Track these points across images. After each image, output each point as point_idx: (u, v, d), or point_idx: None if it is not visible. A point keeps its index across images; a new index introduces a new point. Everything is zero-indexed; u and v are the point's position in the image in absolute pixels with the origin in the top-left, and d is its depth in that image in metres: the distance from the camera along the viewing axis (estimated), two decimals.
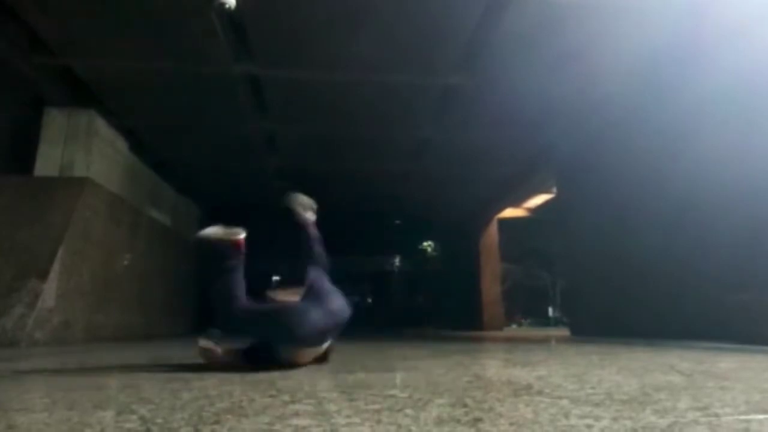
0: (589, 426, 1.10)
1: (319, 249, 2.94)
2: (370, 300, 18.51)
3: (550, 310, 22.23)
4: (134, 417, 1.25)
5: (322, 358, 2.71)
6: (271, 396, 1.61)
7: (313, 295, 2.61)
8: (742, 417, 1.20)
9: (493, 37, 5.69)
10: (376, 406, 1.38)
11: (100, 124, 7.18)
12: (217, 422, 1.17)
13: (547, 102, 7.16)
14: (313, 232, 2.99)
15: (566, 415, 1.23)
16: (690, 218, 5.56)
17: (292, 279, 2.82)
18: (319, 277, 2.76)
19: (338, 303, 2.66)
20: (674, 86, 6.00)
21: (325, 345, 2.68)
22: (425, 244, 18.04)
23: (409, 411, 1.30)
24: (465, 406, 1.39)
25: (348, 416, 1.23)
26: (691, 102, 5.70)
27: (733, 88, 5.07)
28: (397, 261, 18.43)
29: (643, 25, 5.51)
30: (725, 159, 5.09)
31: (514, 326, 19.34)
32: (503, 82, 6.64)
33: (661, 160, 6.14)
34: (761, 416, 1.22)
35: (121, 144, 7.90)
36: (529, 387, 1.77)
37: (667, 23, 5.49)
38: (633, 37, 5.71)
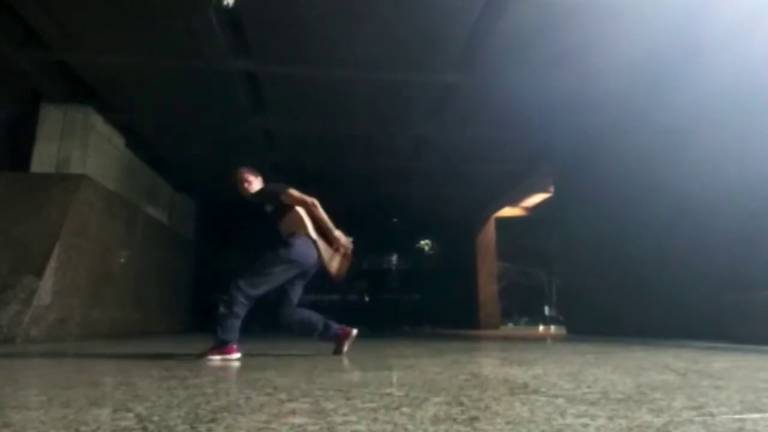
0: (584, 425, 1.11)
1: None
2: (366, 298, 18.53)
3: (547, 309, 22.32)
4: (130, 415, 1.25)
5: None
6: (267, 394, 1.61)
7: None
8: (737, 416, 1.21)
9: (492, 36, 5.69)
10: (373, 405, 1.38)
11: (97, 121, 7.15)
12: (213, 420, 1.17)
13: (545, 101, 7.16)
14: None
15: (562, 414, 1.23)
16: (687, 218, 5.58)
17: None
18: None
19: None
20: (672, 86, 6.02)
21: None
22: (422, 242, 18.05)
23: (405, 409, 1.31)
24: (461, 404, 1.39)
25: (344, 414, 1.24)
26: (688, 102, 5.72)
27: (731, 87, 5.08)
28: (394, 259, 18.45)
29: (641, 25, 5.52)
30: (722, 159, 5.11)
31: (510, 325, 19.39)
32: (502, 81, 6.64)
33: (658, 159, 6.15)
34: (756, 415, 1.23)
35: (118, 140, 7.87)
36: (525, 386, 1.78)
37: (664, 23, 5.49)
38: (631, 37, 5.72)
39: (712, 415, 1.23)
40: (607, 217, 7.29)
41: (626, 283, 6.70)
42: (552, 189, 10.46)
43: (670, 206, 5.88)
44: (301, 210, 3.35)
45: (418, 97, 7.16)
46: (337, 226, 3.39)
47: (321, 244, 3.30)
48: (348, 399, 1.48)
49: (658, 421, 1.14)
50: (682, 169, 5.69)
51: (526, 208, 14.23)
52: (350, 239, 3.39)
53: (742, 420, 1.16)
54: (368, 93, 7.00)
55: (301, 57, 6.08)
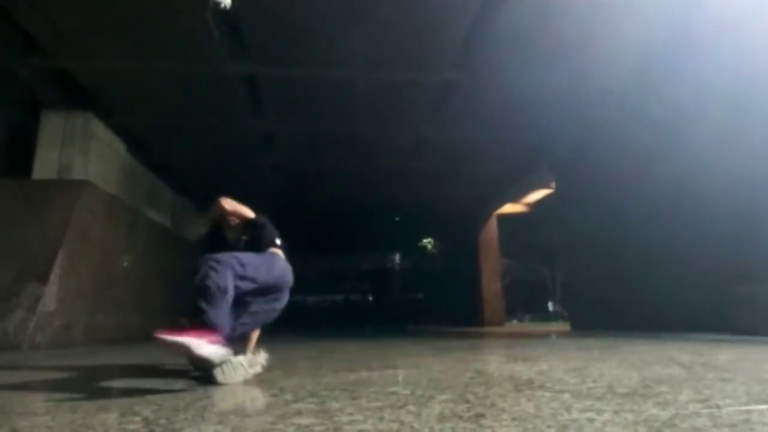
0: (590, 420, 1.11)
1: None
2: (370, 297, 18.55)
3: (551, 305, 22.27)
4: (137, 418, 1.25)
5: None
6: (273, 395, 1.61)
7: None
8: (743, 408, 1.21)
9: (490, 34, 5.68)
10: (379, 404, 1.38)
11: (97, 126, 7.17)
12: (220, 422, 1.17)
13: (544, 97, 7.15)
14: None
15: (568, 409, 1.23)
16: (689, 211, 5.57)
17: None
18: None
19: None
20: (670, 80, 6.00)
21: None
22: (425, 241, 18.07)
23: (411, 408, 1.31)
24: (467, 402, 1.39)
25: (350, 414, 1.24)
26: (686, 95, 5.71)
27: (728, 80, 5.07)
28: (397, 258, 18.48)
29: (639, 20, 5.51)
30: (722, 151, 5.09)
31: (514, 321, 19.37)
32: (500, 79, 6.63)
33: (658, 153, 6.14)
34: (762, 407, 1.22)
35: (119, 145, 7.89)
36: (530, 382, 1.78)
37: (662, 18, 5.48)
38: (629, 32, 5.71)
39: (718, 407, 1.22)
40: (608, 212, 7.28)
41: (629, 278, 6.68)
42: (553, 185, 10.45)
43: (671, 200, 5.87)
44: None
45: (417, 96, 7.15)
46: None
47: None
48: (354, 398, 1.48)
49: (665, 415, 1.14)
50: (683, 163, 5.67)
51: (528, 205, 14.22)
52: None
53: (748, 412, 1.16)
54: (368, 93, 7.00)
55: (300, 58, 6.07)
